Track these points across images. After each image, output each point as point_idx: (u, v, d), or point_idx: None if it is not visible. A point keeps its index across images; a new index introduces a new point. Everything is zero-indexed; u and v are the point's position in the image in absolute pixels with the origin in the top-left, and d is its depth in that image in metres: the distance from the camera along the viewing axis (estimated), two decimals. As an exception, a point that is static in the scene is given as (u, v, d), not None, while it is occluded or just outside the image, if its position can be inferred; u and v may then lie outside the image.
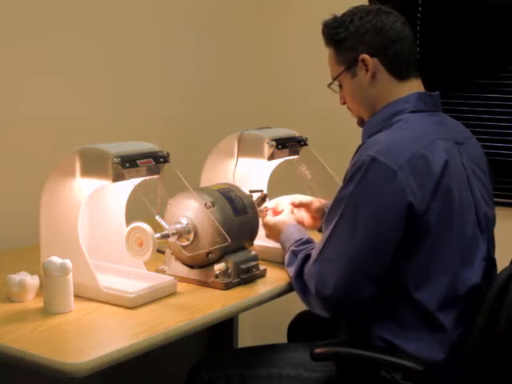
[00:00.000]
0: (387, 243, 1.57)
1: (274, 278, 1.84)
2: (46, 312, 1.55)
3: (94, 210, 1.76)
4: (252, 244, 1.87)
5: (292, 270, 1.72)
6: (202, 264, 1.76)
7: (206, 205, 1.72)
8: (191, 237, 1.72)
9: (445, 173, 1.60)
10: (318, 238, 1.73)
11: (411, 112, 1.69)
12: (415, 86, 1.73)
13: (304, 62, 2.92)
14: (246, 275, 1.78)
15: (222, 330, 2.49)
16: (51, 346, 1.37)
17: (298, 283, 1.69)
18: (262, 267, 1.84)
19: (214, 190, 1.81)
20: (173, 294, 1.69)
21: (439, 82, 2.57)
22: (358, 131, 1.80)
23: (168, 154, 1.69)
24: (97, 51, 2.37)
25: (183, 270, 1.78)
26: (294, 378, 1.71)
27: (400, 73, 1.72)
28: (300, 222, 1.97)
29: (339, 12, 1.77)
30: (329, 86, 1.81)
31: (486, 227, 1.71)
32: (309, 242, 1.77)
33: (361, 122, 1.80)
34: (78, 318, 1.53)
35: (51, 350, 1.35)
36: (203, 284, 1.75)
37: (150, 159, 1.65)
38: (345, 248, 1.58)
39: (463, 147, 1.71)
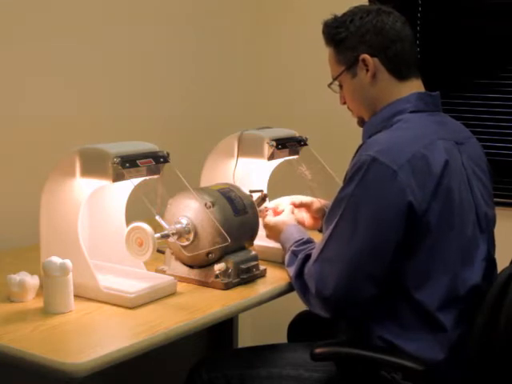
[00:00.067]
0: (387, 243, 1.57)
1: (274, 278, 1.84)
2: (46, 312, 1.55)
3: (94, 210, 1.76)
4: (252, 244, 1.87)
5: (292, 270, 1.72)
6: (202, 264, 1.76)
7: (206, 205, 1.72)
8: (191, 237, 1.72)
9: (445, 173, 1.60)
10: (318, 239, 1.73)
11: (411, 112, 1.69)
12: (415, 86, 1.73)
13: (304, 62, 2.92)
14: (246, 275, 1.78)
15: (222, 330, 2.49)
16: (51, 346, 1.37)
17: (298, 283, 1.69)
18: (262, 267, 1.84)
19: (213, 190, 1.81)
20: (173, 294, 1.69)
21: (439, 81, 2.56)
22: (358, 131, 1.80)
23: (168, 153, 1.69)
24: (97, 51, 2.37)
25: (183, 270, 1.78)
26: (294, 377, 1.71)
27: (400, 73, 1.72)
28: (300, 223, 1.97)
29: (339, 12, 1.77)
30: (329, 85, 1.81)
31: (486, 227, 1.71)
32: (309, 242, 1.77)
33: (361, 122, 1.80)
34: (78, 318, 1.53)
35: (51, 350, 1.35)
36: (203, 284, 1.75)
37: (150, 159, 1.65)
38: (345, 248, 1.58)
39: (463, 147, 1.71)
